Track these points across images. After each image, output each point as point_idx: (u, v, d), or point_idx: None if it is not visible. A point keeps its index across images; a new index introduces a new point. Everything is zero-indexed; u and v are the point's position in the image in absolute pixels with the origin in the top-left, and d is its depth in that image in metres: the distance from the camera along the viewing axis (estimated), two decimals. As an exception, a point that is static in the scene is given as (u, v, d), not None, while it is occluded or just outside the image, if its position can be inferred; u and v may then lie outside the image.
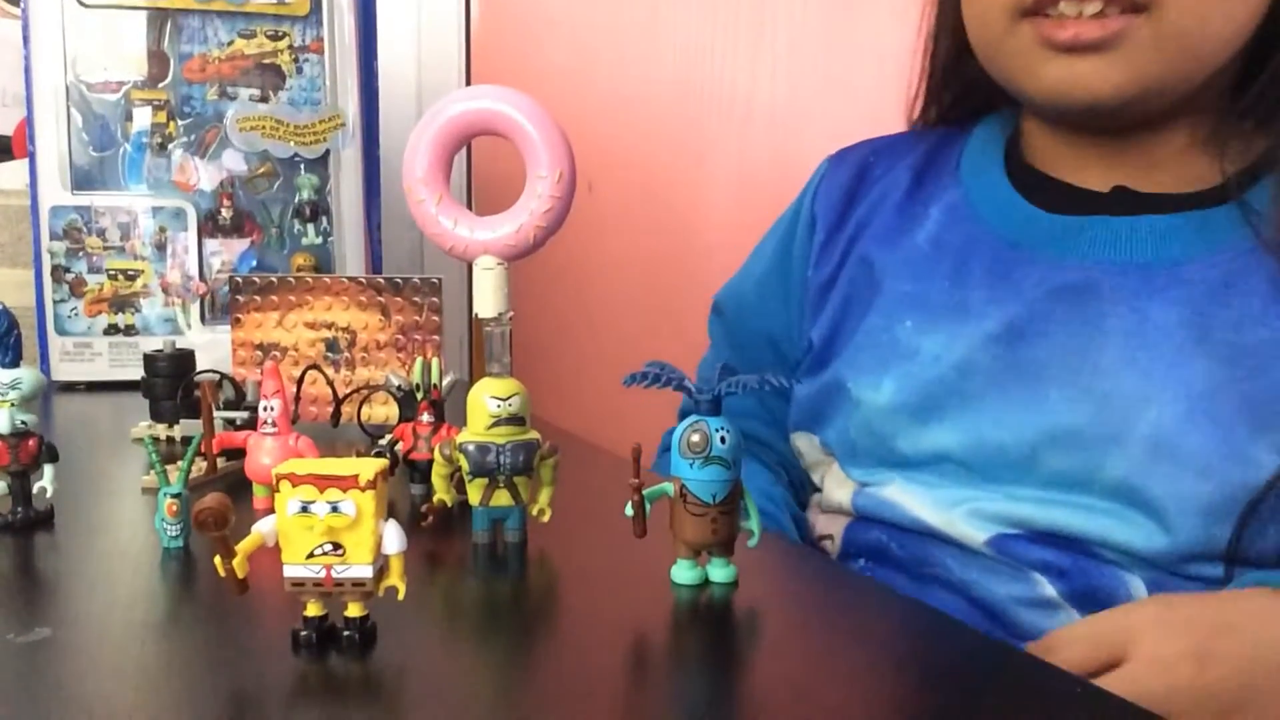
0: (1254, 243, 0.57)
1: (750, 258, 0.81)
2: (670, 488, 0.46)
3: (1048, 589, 0.57)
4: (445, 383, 0.61)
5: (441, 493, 0.53)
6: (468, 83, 1.75)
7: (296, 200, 1.08)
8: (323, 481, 0.37)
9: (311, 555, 0.38)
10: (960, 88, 0.73)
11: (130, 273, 1.05)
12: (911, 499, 0.61)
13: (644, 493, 0.47)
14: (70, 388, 1.04)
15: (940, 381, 0.61)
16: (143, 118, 1.05)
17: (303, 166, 1.08)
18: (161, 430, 0.77)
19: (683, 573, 0.47)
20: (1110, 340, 0.58)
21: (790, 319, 0.76)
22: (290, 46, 1.07)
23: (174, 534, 0.50)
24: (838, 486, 0.67)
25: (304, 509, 0.37)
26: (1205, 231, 0.59)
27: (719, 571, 0.47)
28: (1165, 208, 0.60)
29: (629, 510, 0.47)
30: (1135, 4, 0.56)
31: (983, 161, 0.68)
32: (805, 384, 0.71)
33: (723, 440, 0.45)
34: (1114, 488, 0.55)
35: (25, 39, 1.03)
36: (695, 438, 0.45)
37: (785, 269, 0.77)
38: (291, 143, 1.07)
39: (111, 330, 1.04)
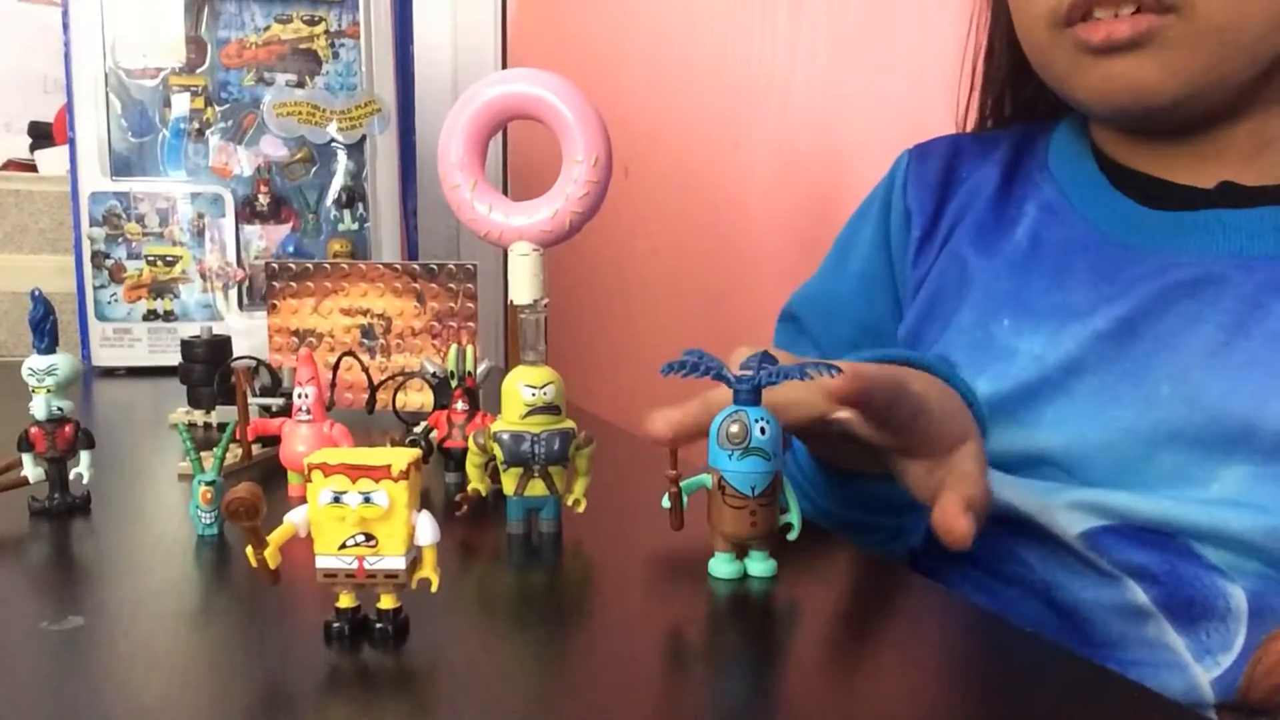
0: None
1: (833, 258, 0.78)
2: (708, 479, 0.45)
3: (1139, 595, 0.54)
4: (480, 370, 0.61)
5: (476, 482, 0.52)
6: (503, 66, 1.75)
7: (333, 186, 1.08)
8: (355, 471, 0.37)
9: (344, 546, 0.37)
10: (1028, 94, 0.71)
11: (169, 258, 1.05)
12: (1001, 482, 0.59)
13: (681, 484, 0.46)
14: (110, 373, 1.05)
15: (1044, 381, 0.59)
16: (181, 104, 1.05)
17: (339, 152, 1.08)
18: (199, 416, 0.77)
19: (721, 566, 0.46)
20: (1231, 336, 0.55)
21: (891, 312, 0.74)
22: (326, 31, 1.07)
23: (208, 522, 0.50)
24: None
25: (336, 499, 0.37)
26: None
27: (758, 565, 0.46)
28: None
29: (666, 502, 0.46)
30: (1165, 5, 0.55)
31: (1073, 159, 0.66)
32: None
33: (762, 431, 0.44)
34: (1236, 483, 0.54)
35: (65, 26, 1.04)
36: (734, 428, 0.44)
37: (888, 261, 0.75)
38: (328, 128, 1.07)
39: (151, 316, 1.05)
